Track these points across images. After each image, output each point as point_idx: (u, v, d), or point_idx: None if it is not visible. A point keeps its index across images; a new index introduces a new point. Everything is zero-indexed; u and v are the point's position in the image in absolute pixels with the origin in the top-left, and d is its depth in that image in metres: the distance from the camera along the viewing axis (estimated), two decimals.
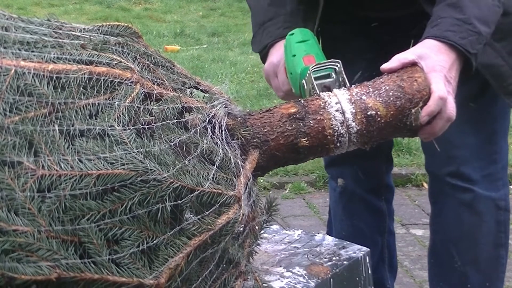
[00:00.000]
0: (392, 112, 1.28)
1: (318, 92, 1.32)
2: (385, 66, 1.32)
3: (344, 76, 1.34)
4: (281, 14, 1.61)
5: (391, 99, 1.28)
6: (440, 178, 1.81)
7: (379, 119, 1.27)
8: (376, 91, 1.29)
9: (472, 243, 1.83)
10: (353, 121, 1.26)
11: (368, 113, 1.27)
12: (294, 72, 1.47)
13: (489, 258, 1.85)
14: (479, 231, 1.82)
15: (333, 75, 1.37)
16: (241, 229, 1.14)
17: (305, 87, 1.40)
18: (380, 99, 1.28)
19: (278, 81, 1.58)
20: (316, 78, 1.36)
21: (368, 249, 1.49)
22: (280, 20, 1.60)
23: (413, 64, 1.31)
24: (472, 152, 1.76)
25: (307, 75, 1.36)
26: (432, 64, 1.31)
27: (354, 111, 1.26)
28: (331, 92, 1.32)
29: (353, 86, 1.31)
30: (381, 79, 1.31)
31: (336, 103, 1.27)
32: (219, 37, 6.14)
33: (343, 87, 1.32)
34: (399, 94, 1.28)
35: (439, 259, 1.90)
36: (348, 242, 1.53)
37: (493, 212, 1.81)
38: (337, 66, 1.37)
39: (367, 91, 1.29)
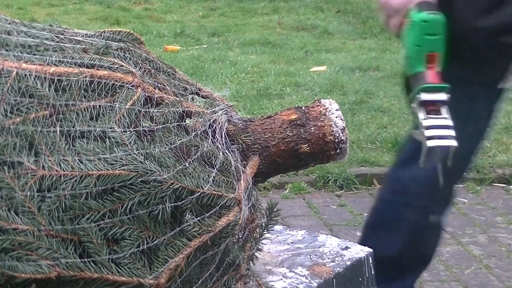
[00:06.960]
0: None
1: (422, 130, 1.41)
2: None
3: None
4: None
5: None
6: None
7: None
8: None
9: None
10: None
11: None
12: (412, 63, 1.52)
13: None
14: None
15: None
16: (241, 232, 1.15)
17: (414, 110, 1.47)
18: None
19: (393, 21, 1.61)
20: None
21: (371, 250, 1.49)
22: None
23: None
24: None
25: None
26: None
27: None
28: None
29: None
30: None
31: (336, 110, 1.28)
32: (219, 37, 6.13)
33: None
34: None
35: None
36: (351, 242, 1.53)
37: None
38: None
39: None
